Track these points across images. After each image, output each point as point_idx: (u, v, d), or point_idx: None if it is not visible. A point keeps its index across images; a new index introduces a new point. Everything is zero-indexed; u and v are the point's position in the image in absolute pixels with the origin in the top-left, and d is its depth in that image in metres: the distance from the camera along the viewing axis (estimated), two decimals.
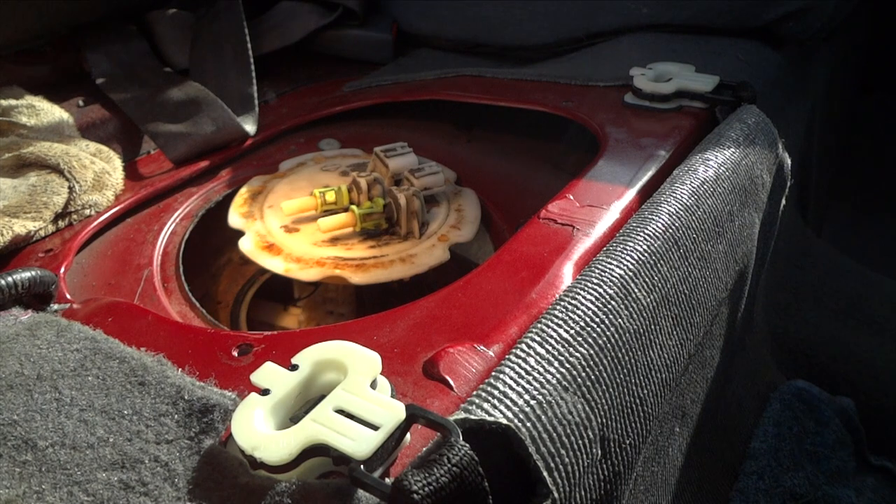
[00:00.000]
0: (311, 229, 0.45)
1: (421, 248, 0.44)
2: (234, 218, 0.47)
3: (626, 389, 0.30)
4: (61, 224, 0.43)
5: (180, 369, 0.27)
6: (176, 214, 0.47)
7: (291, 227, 0.45)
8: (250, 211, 0.47)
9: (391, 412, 0.23)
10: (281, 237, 0.45)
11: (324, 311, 0.53)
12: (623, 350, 0.30)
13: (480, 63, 0.75)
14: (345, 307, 0.52)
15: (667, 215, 0.36)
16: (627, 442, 0.30)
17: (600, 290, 0.30)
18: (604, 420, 0.28)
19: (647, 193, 0.40)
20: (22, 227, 0.40)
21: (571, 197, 0.39)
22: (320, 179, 0.51)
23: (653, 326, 0.32)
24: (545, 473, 0.25)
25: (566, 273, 0.33)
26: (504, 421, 0.24)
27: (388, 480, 0.21)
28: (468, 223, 0.47)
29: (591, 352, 0.28)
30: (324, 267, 0.42)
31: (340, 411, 0.23)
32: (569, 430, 0.26)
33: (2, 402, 0.26)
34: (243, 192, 0.49)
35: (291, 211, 0.45)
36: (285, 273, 0.42)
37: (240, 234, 0.46)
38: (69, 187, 0.43)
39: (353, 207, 0.44)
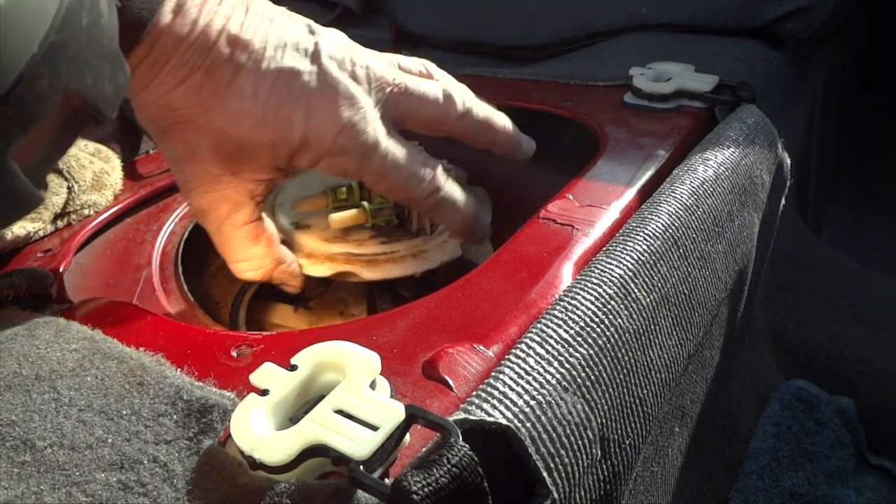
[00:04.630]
0: (321, 225, 0.45)
1: (432, 244, 0.44)
2: None
3: (625, 389, 0.30)
4: (60, 224, 0.43)
5: (179, 369, 0.27)
6: (175, 214, 0.47)
7: (302, 223, 0.45)
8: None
9: (390, 413, 0.23)
10: (291, 233, 0.44)
11: (335, 312, 0.53)
12: (623, 350, 0.30)
13: (480, 63, 0.75)
14: (356, 308, 0.52)
15: (666, 215, 0.36)
16: (627, 442, 0.30)
17: (600, 290, 0.30)
18: (604, 420, 0.28)
19: (646, 193, 0.40)
20: (21, 227, 0.40)
21: (571, 197, 0.39)
22: (331, 178, 0.51)
23: (652, 326, 0.32)
24: (545, 474, 0.25)
25: (566, 273, 0.33)
26: (504, 421, 0.24)
27: (387, 481, 0.21)
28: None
29: (591, 352, 0.28)
30: (334, 263, 0.42)
31: (340, 412, 0.23)
32: (568, 431, 0.26)
33: (0, 403, 0.26)
34: None
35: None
36: None
37: None
38: (68, 187, 0.43)
39: (364, 203, 0.44)
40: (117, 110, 0.25)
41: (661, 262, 0.34)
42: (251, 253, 0.39)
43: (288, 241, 0.44)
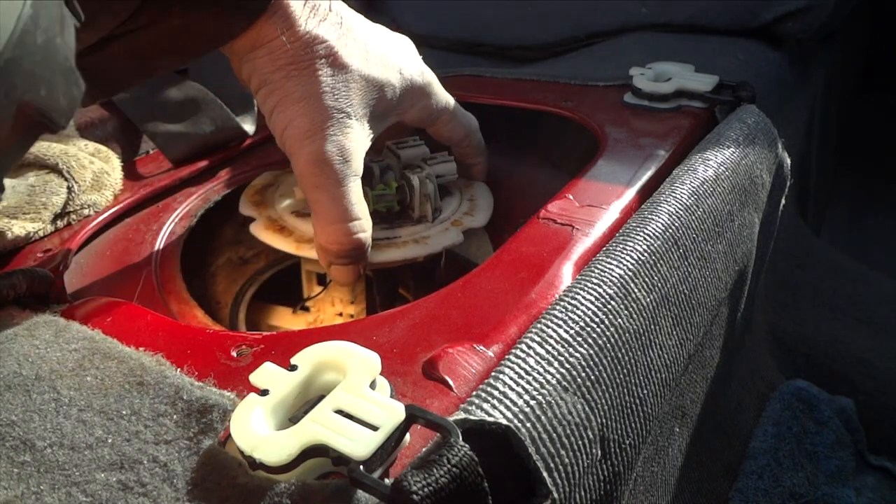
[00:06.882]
0: None
1: (434, 230, 0.44)
2: (245, 206, 0.47)
3: (626, 389, 0.30)
4: (60, 224, 0.43)
5: (179, 369, 0.27)
6: (175, 214, 0.47)
7: (302, 211, 0.45)
8: (262, 200, 0.47)
9: (390, 413, 0.23)
10: (292, 221, 0.45)
11: (333, 313, 0.53)
12: (623, 350, 0.30)
13: (480, 63, 0.75)
14: (354, 308, 0.52)
15: (666, 215, 0.36)
16: (627, 442, 0.30)
17: (600, 290, 0.30)
18: (604, 420, 0.28)
19: (646, 193, 0.40)
20: (21, 227, 0.40)
21: (571, 197, 0.39)
22: None
23: (653, 326, 0.32)
24: (545, 474, 0.25)
25: (566, 273, 0.33)
26: (504, 421, 0.24)
27: (387, 481, 0.21)
28: (482, 210, 0.47)
29: (591, 352, 0.28)
30: None
31: (340, 412, 0.23)
32: (569, 431, 0.26)
33: (0, 403, 0.26)
34: (255, 184, 0.49)
35: None
36: (297, 252, 0.42)
37: (242, 232, 0.45)
38: (68, 187, 0.43)
39: (366, 188, 0.44)
40: (71, 119, 0.26)
41: (661, 262, 0.34)
42: (362, 210, 0.40)
43: (289, 228, 0.44)
